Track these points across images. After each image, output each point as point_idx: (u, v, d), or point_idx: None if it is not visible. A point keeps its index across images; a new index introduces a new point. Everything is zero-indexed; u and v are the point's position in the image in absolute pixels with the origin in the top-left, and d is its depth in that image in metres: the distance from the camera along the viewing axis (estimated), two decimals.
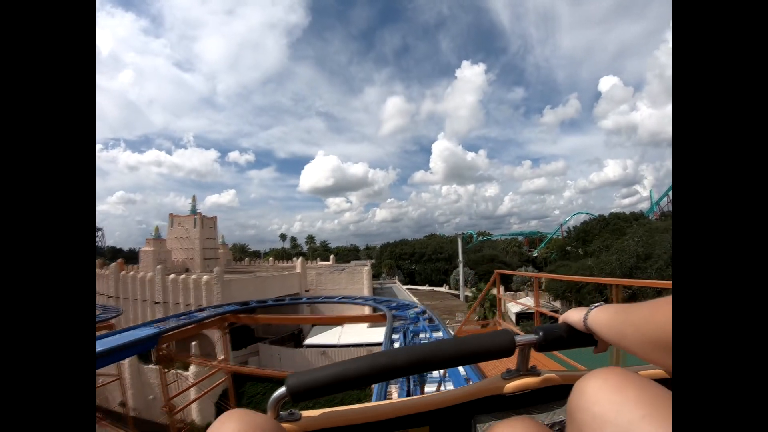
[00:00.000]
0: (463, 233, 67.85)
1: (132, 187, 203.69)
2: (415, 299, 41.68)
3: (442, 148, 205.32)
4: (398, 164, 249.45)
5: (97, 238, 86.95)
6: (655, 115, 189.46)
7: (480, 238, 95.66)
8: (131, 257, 46.16)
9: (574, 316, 1.02)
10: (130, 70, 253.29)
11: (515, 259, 72.87)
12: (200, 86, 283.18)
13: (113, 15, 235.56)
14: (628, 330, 0.81)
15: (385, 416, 0.98)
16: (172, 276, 29.81)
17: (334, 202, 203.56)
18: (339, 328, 32.09)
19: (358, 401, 1.17)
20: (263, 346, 29.61)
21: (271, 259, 63.35)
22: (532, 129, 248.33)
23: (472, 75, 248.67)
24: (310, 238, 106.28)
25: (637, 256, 36.47)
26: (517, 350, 1.02)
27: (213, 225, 50.04)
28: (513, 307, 41.61)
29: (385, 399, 1.66)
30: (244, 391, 22.96)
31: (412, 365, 0.95)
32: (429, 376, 5.98)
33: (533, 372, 1.06)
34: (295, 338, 32.10)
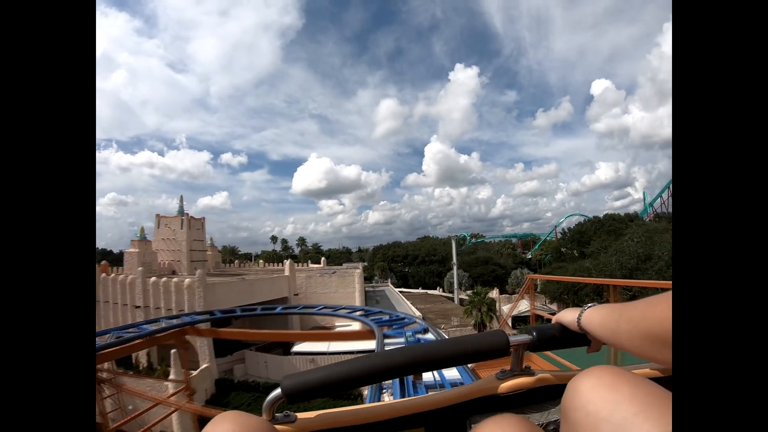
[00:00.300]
0: (456, 235, 66.87)
1: (124, 189, 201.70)
2: (408, 303, 40.62)
3: (435, 150, 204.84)
4: (391, 167, 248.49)
5: None
6: (647, 118, 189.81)
7: (473, 240, 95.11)
8: (120, 259, 45.21)
9: (568, 316, 1.03)
10: (123, 70, 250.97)
11: (510, 261, 72.13)
12: (193, 87, 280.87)
13: (107, 15, 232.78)
14: (623, 327, 0.81)
15: (381, 417, 0.98)
16: (153, 279, 28.68)
17: (327, 205, 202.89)
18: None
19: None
20: (249, 353, 28.48)
21: (261, 261, 62.20)
22: (525, 132, 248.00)
23: (465, 78, 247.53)
24: (301, 240, 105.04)
25: (637, 257, 35.50)
26: (511, 350, 1.03)
27: (201, 226, 49.03)
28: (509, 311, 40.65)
29: (379, 401, 1.43)
30: (228, 401, 21.97)
31: (407, 366, 0.95)
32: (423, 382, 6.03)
33: (527, 372, 1.07)
34: (284, 345, 30.71)
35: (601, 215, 65.86)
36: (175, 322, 15.25)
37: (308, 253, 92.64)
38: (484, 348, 1.00)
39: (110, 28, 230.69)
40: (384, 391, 5.98)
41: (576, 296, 37.96)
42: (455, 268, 56.78)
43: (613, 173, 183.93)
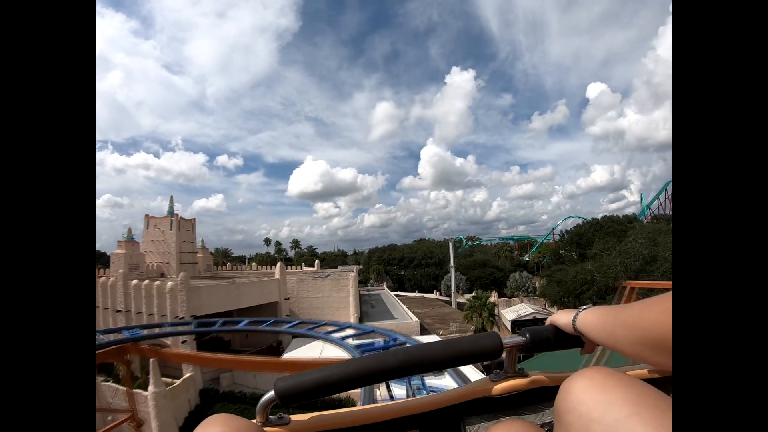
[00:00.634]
0: (453, 238, 65.77)
1: (119, 191, 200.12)
2: (404, 307, 39.28)
3: (431, 153, 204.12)
4: (387, 170, 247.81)
5: None
6: (642, 121, 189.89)
7: (469, 243, 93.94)
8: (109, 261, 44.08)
9: (563, 318, 1.03)
10: (118, 71, 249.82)
11: (507, 264, 71.10)
12: (189, 89, 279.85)
13: (103, 15, 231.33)
14: (618, 330, 0.82)
15: (375, 419, 0.99)
16: (134, 282, 27.40)
17: (323, 208, 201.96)
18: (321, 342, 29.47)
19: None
20: None
21: (254, 264, 60.85)
22: (521, 135, 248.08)
23: (461, 81, 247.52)
24: (295, 243, 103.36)
25: (642, 258, 34.29)
26: (504, 352, 1.04)
27: (191, 227, 47.55)
28: (508, 314, 39.55)
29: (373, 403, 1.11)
30: (213, 413, 19.88)
31: (401, 368, 0.96)
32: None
33: (521, 374, 1.09)
34: (274, 352, 29.36)
35: (597, 217, 65.14)
36: (144, 333, 13.84)
37: (303, 255, 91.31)
38: (478, 350, 1.01)
39: (106, 29, 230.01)
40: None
41: (578, 299, 36.92)
42: (453, 271, 55.40)
43: (608, 176, 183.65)
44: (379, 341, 13.49)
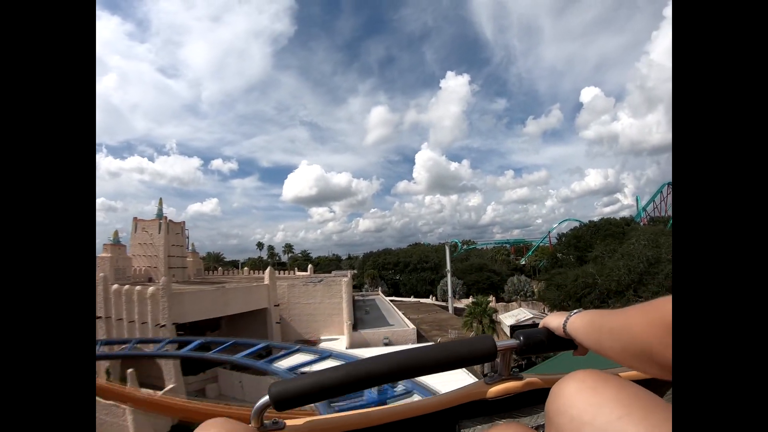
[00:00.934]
0: (449, 242, 64.68)
1: (113, 195, 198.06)
2: (400, 313, 38.05)
3: (425, 158, 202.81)
4: (382, 174, 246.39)
5: None
6: (635, 124, 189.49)
7: (465, 247, 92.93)
8: None
9: (555, 321, 1.02)
10: (113, 74, 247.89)
11: (504, 268, 69.98)
12: (184, 93, 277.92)
13: (99, 17, 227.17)
14: (605, 337, 0.82)
15: (371, 423, 1.00)
16: (114, 286, 26.12)
17: (318, 212, 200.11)
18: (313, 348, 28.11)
19: None
20: (223, 372, 25.79)
21: (246, 269, 59.53)
22: (515, 139, 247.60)
23: (456, 86, 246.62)
24: (288, 247, 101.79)
25: (646, 260, 33.11)
26: (498, 355, 1.04)
27: (180, 231, 46.62)
28: (507, 320, 38.34)
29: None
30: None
31: (394, 372, 0.96)
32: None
33: (515, 376, 1.09)
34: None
35: (594, 220, 64.28)
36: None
37: (296, 260, 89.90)
38: (472, 353, 1.01)
39: (102, 31, 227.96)
40: None
41: (579, 303, 35.81)
42: (449, 275, 54.22)
43: (602, 179, 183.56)
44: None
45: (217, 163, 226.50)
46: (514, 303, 51.31)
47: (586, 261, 45.34)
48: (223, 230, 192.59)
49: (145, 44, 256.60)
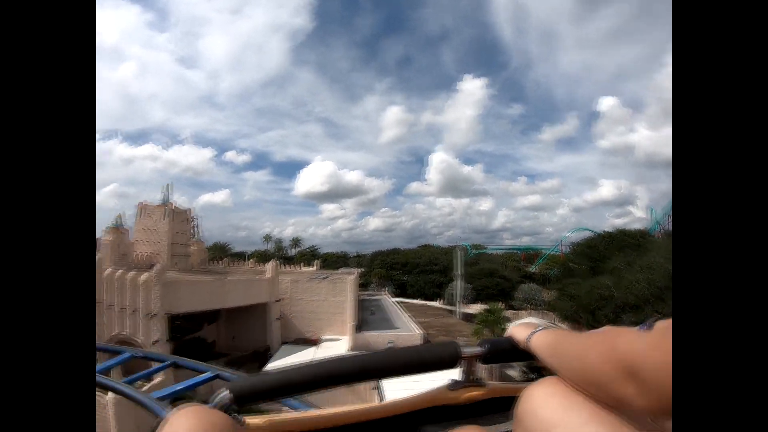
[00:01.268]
0: (459, 245, 63.30)
1: (126, 181, 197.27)
2: (407, 316, 36.73)
3: (439, 160, 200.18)
4: (394, 174, 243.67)
5: None
6: (652, 137, 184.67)
7: (474, 251, 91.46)
8: None
9: (520, 333, 1.02)
10: (132, 62, 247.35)
11: (515, 275, 68.17)
12: (202, 84, 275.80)
13: (118, 6, 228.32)
14: (563, 362, 0.81)
15: (330, 424, 1.00)
16: (107, 271, 24.77)
17: (328, 209, 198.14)
18: (314, 348, 27.61)
19: None
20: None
21: (252, 261, 58.36)
22: (530, 145, 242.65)
23: (472, 89, 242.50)
24: (296, 241, 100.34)
25: (669, 274, 31.43)
26: (463, 362, 1.06)
27: (186, 218, 45.60)
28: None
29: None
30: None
31: (357, 373, 0.98)
32: None
33: (479, 383, 1.10)
34: (260, 357, 26.73)
35: (607, 231, 62.83)
36: None
37: (304, 255, 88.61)
38: (435, 358, 1.03)
39: (122, 20, 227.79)
40: None
41: (592, 316, 34.24)
42: (459, 279, 52.76)
43: (615, 191, 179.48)
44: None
45: (230, 155, 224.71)
46: (523, 311, 49.75)
47: (601, 272, 43.77)
48: (233, 221, 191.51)
49: (165, 34, 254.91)
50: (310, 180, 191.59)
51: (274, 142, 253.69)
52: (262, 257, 71.64)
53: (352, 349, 26.66)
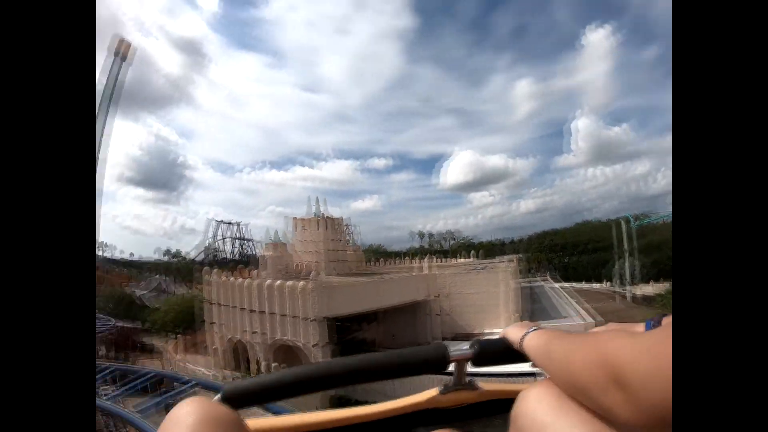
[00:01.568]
0: (623, 217, 58.29)
1: (281, 202, 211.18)
2: (573, 302, 34.48)
3: (581, 126, 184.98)
4: (538, 150, 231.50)
5: (246, 247, 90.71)
6: None
7: (638, 222, 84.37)
8: None
9: (514, 333, 0.98)
10: (267, 101, 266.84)
11: None
12: (328, 103, 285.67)
13: (239, 59, 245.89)
14: (553, 364, 0.79)
15: (322, 426, 1.01)
16: (267, 282, 26.82)
17: (476, 197, 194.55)
18: None
19: None
20: None
21: (407, 259, 58.84)
22: None
23: (597, 40, 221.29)
24: (449, 234, 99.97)
25: None
26: (453, 364, 1.05)
27: (339, 226, 47.19)
28: None
29: None
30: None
31: (345, 376, 0.98)
32: None
33: (470, 386, 1.10)
34: None
35: None
36: None
37: (459, 246, 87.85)
38: (424, 361, 1.02)
39: (248, 69, 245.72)
40: None
41: None
42: (627, 255, 48.62)
43: None
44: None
45: (372, 162, 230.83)
46: None
47: None
48: (384, 223, 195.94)
49: (285, 70, 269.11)
50: (453, 172, 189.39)
51: (411, 142, 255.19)
52: (417, 254, 72.21)
53: None
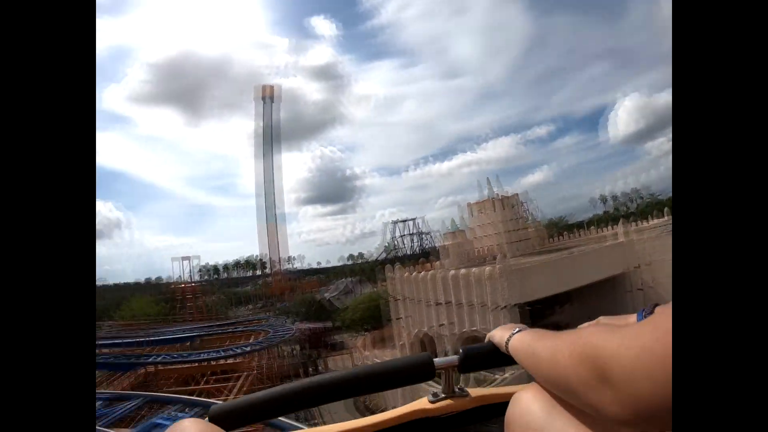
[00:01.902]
0: None
1: (450, 191, 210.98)
2: None
3: None
4: None
5: (425, 240, 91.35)
6: None
7: None
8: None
9: (499, 335, 0.97)
10: (410, 100, 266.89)
11: None
12: (471, 85, 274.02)
13: (370, 69, 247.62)
14: (538, 365, 0.78)
15: None
16: (452, 272, 25.69)
17: (654, 146, 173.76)
18: None
19: None
20: None
21: (592, 228, 54.26)
22: None
23: None
24: (635, 193, 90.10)
25: None
26: (441, 373, 1.06)
27: (515, 203, 44.87)
28: None
29: None
30: None
31: (333, 390, 0.98)
32: None
33: (460, 393, 1.08)
34: None
35: None
36: None
37: (647, 206, 78.96)
38: (409, 372, 1.01)
39: (382, 75, 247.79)
40: None
41: None
42: None
43: None
44: None
45: (533, 132, 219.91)
46: None
47: None
48: (560, 194, 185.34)
49: (419, 66, 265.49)
50: (621, 122, 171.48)
51: (567, 101, 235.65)
52: (602, 221, 66.41)
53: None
